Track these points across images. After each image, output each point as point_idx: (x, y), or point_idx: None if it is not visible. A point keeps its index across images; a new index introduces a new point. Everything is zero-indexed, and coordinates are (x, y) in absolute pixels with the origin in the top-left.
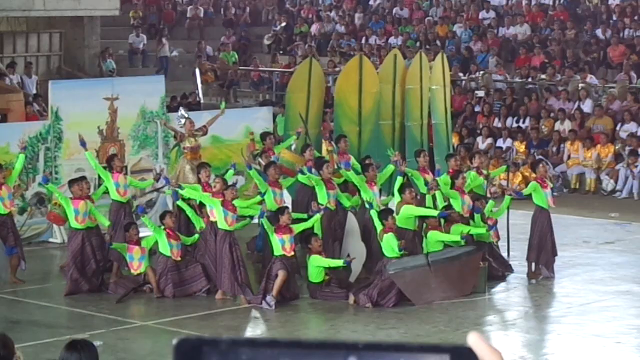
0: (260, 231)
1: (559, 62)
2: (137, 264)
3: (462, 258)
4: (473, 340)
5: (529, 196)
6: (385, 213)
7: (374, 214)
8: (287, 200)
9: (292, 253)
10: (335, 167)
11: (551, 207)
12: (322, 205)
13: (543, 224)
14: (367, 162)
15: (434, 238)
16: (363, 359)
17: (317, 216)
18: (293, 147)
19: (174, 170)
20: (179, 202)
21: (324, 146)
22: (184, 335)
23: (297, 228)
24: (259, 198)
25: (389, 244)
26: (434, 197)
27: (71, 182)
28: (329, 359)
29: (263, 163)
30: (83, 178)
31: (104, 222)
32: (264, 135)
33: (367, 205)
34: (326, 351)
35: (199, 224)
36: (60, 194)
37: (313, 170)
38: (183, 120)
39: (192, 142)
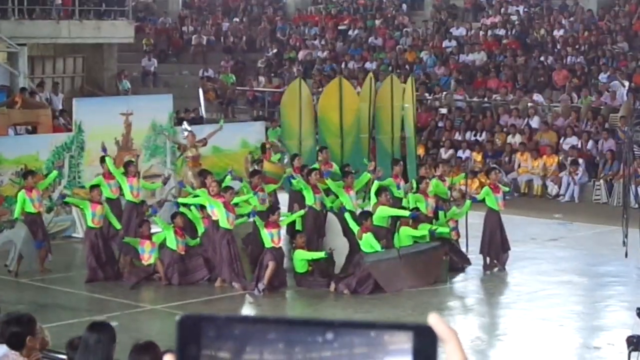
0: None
1: (510, 85)
2: (147, 256)
3: (428, 252)
4: (433, 320)
5: (483, 200)
6: (364, 215)
7: (348, 216)
8: (283, 201)
9: (280, 245)
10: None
11: (501, 209)
12: (308, 205)
13: (493, 224)
14: (346, 169)
15: (406, 233)
16: (339, 335)
17: (301, 212)
18: (286, 160)
19: (179, 175)
20: (182, 209)
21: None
22: (186, 313)
23: (284, 222)
24: (248, 197)
25: (369, 242)
26: (410, 200)
27: (92, 188)
28: (310, 334)
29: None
30: (98, 185)
31: (116, 224)
32: (263, 146)
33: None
34: (307, 327)
35: (201, 228)
36: (79, 202)
37: (298, 176)
38: (186, 133)
39: (194, 152)
